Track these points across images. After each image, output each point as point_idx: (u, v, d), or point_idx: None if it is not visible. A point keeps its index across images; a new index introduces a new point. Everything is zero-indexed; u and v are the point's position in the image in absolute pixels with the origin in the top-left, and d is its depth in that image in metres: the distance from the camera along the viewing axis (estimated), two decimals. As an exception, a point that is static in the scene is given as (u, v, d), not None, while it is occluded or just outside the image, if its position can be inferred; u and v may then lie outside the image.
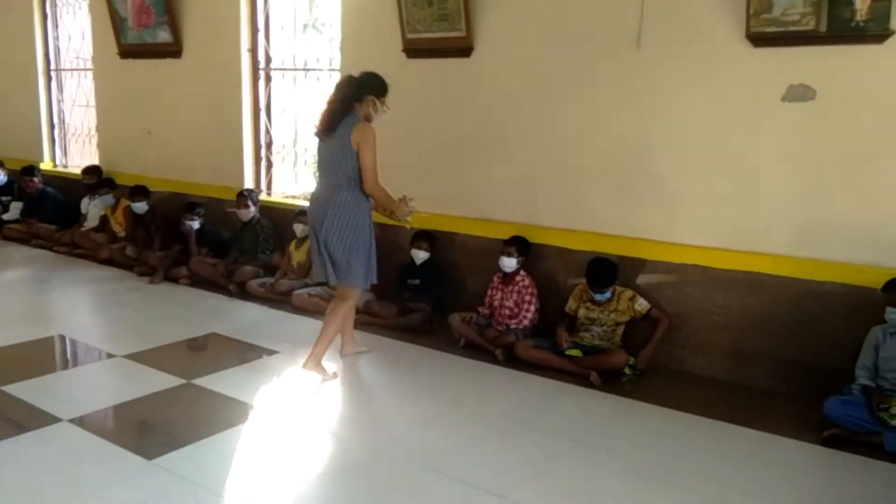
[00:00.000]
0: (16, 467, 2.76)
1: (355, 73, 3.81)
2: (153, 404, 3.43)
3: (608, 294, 4.04)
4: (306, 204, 5.66)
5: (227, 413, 3.36)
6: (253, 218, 5.63)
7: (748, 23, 3.66)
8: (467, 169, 4.83)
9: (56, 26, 7.65)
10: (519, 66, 4.51)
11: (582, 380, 3.86)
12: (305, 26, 5.95)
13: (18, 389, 3.48)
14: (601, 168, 4.31)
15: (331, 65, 5.74)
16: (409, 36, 4.82)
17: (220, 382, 3.69)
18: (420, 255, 4.59)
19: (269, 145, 6.11)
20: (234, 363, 4.05)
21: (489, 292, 4.49)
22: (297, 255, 5.45)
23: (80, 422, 3.17)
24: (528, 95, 4.51)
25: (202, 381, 3.69)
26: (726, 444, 3.23)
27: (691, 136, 4.00)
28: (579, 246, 4.38)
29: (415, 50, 4.87)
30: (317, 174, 3.85)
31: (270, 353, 4.21)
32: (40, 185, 7.12)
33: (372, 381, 3.92)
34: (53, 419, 3.16)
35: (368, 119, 3.75)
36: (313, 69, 5.84)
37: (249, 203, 5.59)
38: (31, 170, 7.13)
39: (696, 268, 4.03)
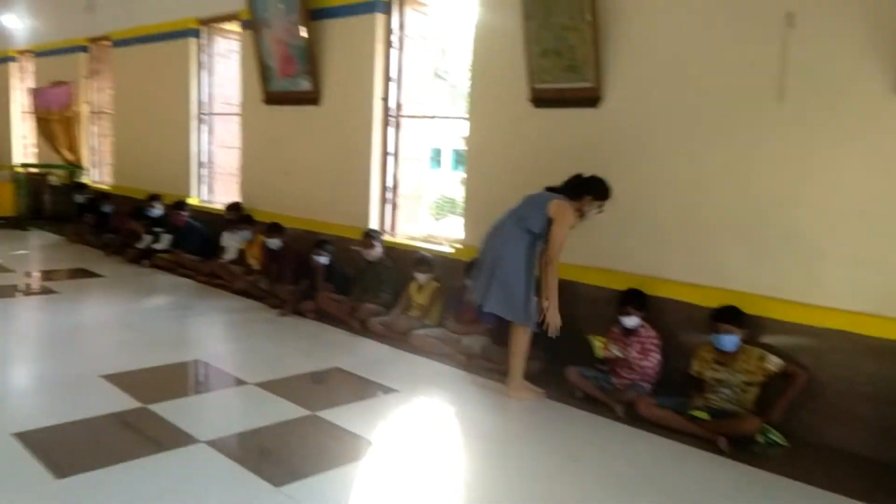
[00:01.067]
0: (158, 483, 2.96)
1: (586, 174, 4.33)
2: (281, 432, 3.60)
3: (728, 342, 3.84)
4: (427, 246, 5.87)
5: (348, 447, 3.47)
6: (378, 258, 5.83)
7: (902, 75, 3.45)
8: (591, 218, 4.79)
9: (210, 74, 8.40)
10: (649, 116, 4.47)
11: (708, 444, 3.67)
12: (442, 76, 6.19)
13: (162, 409, 3.76)
14: (732, 222, 4.16)
15: (457, 110, 5.93)
16: (537, 86, 4.91)
17: (342, 416, 3.81)
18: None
19: (395, 188, 6.35)
20: (355, 398, 4.18)
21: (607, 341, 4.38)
22: (419, 298, 5.57)
23: (216, 444, 3.36)
24: (656, 146, 4.45)
25: (325, 414, 3.83)
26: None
27: (836, 193, 3.78)
28: (705, 301, 4.20)
29: (541, 100, 4.94)
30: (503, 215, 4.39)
31: (389, 390, 4.31)
32: (188, 219, 7.75)
33: (488, 427, 3.91)
34: (192, 440, 3.39)
35: (580, 213, 4.24)
36: (443, 116, 6.05)
37: (376, 243, 5.80)
38: (181, 204, 7.79)
39: (840, 333, 3.75)
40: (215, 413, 3.91)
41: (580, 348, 4.45)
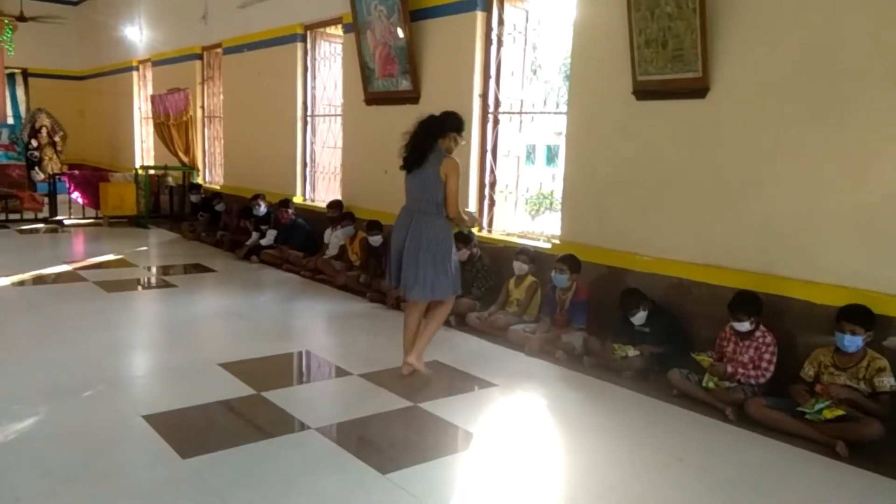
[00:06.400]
0: (274, 466, 3.13)
1: (437, 112, 4.34)
2: (385, 422, 3.71)
3: (851, 343, 3.62)
4: (524, 242, 5.86)
5: (451, 438, 3.54)
6: (473, 256, 5.87)
7: None
8: (696, 213, 4.66)
9: (314, 77, 8.72)
10: (760, 106, 4.29)
11: (824, 448, 3.48)
12: (535, 72, 6.17)
13: (274, 396, 3.96)
14: (853, 215, 3.93)
15: (556, 107, 5.88)
16: (641, 78, 4.80)
17: (442, 408, 3.88)
18: (638, 319, 4.55)
19: (492, 185, 6.38)
20: (455, 391, 4.24)
21: (719, 343, 4.23)
22: (516, 293, 5.58)
23: (325, 431, 3.51)
24: (769, 137, 4.26)
25: (427, 406, 3.91)
26: None
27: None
28: (823, 300, 4.00)
29: (645, 91, 4.83)
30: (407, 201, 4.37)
31: (488, 384, 4.34)
32: (293, 217, 8.09)
33: (588, 422, 3.88)
34: (303, 426, 3.55)
35: (449, 152, 4.19)
36: (541, 112, 6.02)
37: (469, 245, 5.82)
38: (286, 202, 8.14)
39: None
40: (323, 401, 4.08)
41: (686, 346, 4.34)
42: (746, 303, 4.05)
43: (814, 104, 4.05)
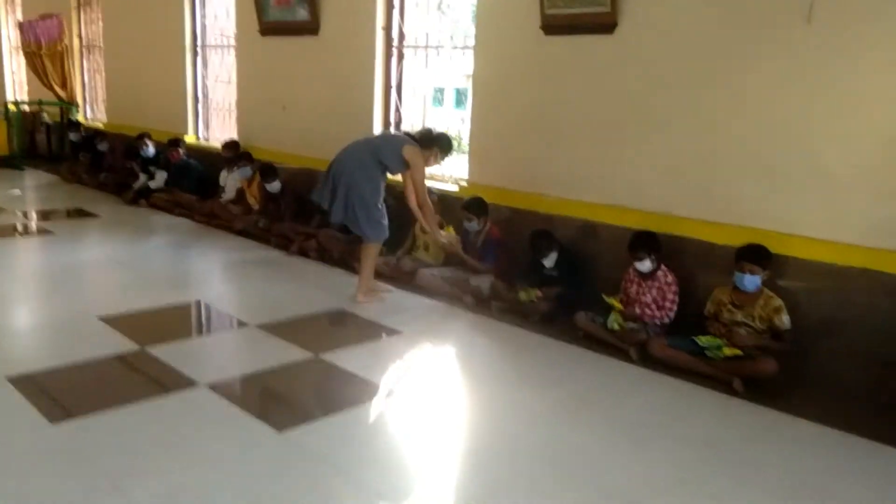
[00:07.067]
0: (157, 427, 2.87)
1: (436, 130, 4.86)
2: (283, 375, 3.50)
3: (750, 282, 3.67)
4: (431, 185, 5.66)
5: (352, 390, 3.38)
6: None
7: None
8: (602, 153, 4.60)
9: (203, 5, 8.02)
10: (667, 44, 4.21)
11: (722, 385, 3.57)
12: (439, 5, 5.86)
13: (162, 351, 3.65)
14: (754, 156, 3.96)
15: (464, 42, 5.64)
16: (549, 12, 4.62)
17: (345, 359, 3.71)
18: (549, 261, 4.48)
19: (398, 123, 6.10)
20: (358, 340, 4.06)
21: (624, 285, 4.24)
22: (424, 236, 5.41)
23: (217, 387, 3.26)
24: (675, 75, 4.20)
25: (329, 357, 3.72)
26: (892, 469, 2.87)
27: (866, 124, 3.56)
28: (724, 240, 4.04)
29: (553, 26, 4.66)
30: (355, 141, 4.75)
31: (393, 332, 4.20)
32: (184, 157, 7.53)
33: (496, 369, 3.82)
34: (192, 383, 3.29)
35: (426, 161, 4.61)
36: (447, 46, 5.75)
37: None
38: (176, 142, 7.56)
39: (863, 271, 3.60)
40: (216, 356, 3.81)
41: (591, 288, 4.33)
42: (644, 241, 4.04)
43: (720, 43, 4.01)
